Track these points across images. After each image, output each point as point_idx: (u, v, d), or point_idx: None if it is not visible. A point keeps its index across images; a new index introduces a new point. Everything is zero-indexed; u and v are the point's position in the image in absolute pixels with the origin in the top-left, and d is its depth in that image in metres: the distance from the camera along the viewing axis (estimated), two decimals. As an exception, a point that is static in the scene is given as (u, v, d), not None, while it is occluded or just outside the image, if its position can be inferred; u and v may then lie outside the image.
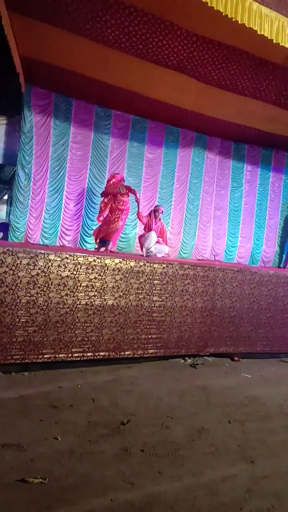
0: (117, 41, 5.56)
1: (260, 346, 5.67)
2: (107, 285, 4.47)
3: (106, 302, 4.45)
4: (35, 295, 4.03)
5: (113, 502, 2.16)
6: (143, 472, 2.49)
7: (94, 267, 4.38)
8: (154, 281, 4.79)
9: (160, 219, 7.08)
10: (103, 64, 6.11)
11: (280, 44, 4.98)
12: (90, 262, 4.37)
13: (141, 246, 6.73)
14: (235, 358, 5.43)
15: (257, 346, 5.65)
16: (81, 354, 4.31)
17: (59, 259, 4.17)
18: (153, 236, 6.57)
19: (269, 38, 4.87)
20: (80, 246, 7.59)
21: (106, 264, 4.46)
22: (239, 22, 4.63)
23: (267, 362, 5.54)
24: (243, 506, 2.24)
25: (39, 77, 6.71)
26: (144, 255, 6.45)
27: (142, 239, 6.79)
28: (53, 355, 4.14)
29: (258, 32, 4.79)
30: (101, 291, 4.42)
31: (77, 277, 4.27)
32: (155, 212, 6.98)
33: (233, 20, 4.59)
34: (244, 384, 4.52)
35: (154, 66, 6.06)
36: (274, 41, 4.92)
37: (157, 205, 7.28)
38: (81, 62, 6.10)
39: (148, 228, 6.88)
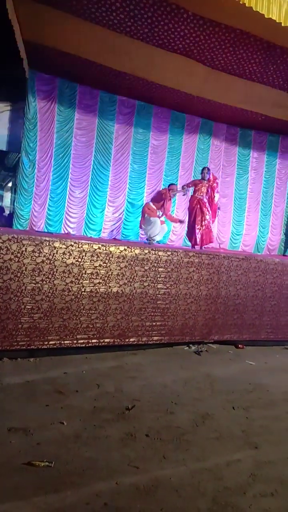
0: (122, 25, 5.47)
1: (264, 333, 5.68)
2: (112, 272, 4.47)
3: (111, 290, 4.46)
4: (40, 282, 4.04)
5: (118, 486, 2.20)
6: (148, 456, 2.53)
7: (99, 255, 4.38)
8: (159, 269, 4.78)
9: (171, 199, 6.97)
10: (108, 48, 6.03)
11: (289, 27, 4.87)
12: (95, 249, 4.36)
13: (142, 222, 6.66)
14: (240, 345, 5.45)
15: (261, 334, 5.66)
16: (86, 340, 4.34)
17: (64, 246, 4.17)
18: (158, 224, 6.52)
19: (277, 21, 4.77)
20: (84, 234, 7.59)
21: (111, 252, 4.46)
22: (247, 5, 4.53)
23: (271, 350, 5.56)
24: (247, 490, 2.27)
25: (43, 62, 6.64)
26: (148, 241, 6.43)
27: (145, 223, 6.67)
28: (58, 342, 4.18)
29: (266, 16, 4.69)
30: (106, 278, 4.43)
31: (82, 264, 4.28)
32: (169, 191, 6.89)
33: (241, 2, 4.49)
34: (248, 371, 4.54)
35: (160, 50, 5.98)
36: (282, 25, 4.82)
37: (171, 184, 7.17)
38: (85, 46, 6.01)
39: (163, 207, 6.70)
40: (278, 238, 9.70)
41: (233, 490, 2.26)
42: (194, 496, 2.17)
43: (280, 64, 6.21)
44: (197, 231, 6.65)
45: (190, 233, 6.83)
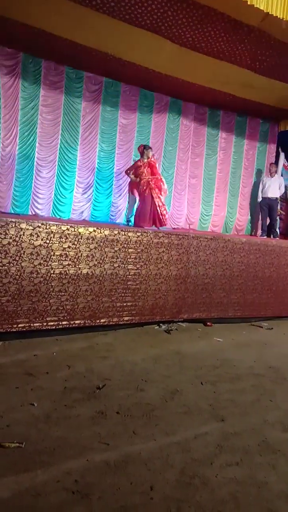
0: (87, -3, 5.27)
1: (231, 311, 5.84)
2: (82, 254, 4.44)
3: (81, 271, 4.44)
4: (7, 264, 3.97)
5: (89, 462, 2.24)
6: (118, 433, 2.58)
7: (67, 236, 4.33)
8: (129, 250, 4.79)
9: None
10: (73, 22, 5.80)
11: (255, 6, 4.84)
12: (64, 231, 4.31)
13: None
14: (208, 323, 5.58)
15: (229, 311, 5.81)
16: (56, 322, 4.33)
17: (31, 227, 4.09)
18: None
19: (243, -1, 4.73)
20: (53, 215, 7.45)
21: (80, 233, 4.41)
22: (214, -19, 4.46)
23: (238, 326, 5.73)
24: (213, 461, 2.37)
25: (6, 36, 6.32)
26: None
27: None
28: (27, 324, 4.14)
29: (232, -8, 4.64)
30: (75, 260, 4.39)
31: (50, 246, 4.22)
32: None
33: (208, -22, 4.42)
34: (216, 347, 4.68)
35: (127, 25, 5.80)
36: (248, 3, 4.78)
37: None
38: (50, 20, 5.75)
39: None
40: (245, 218, 9.84)
41: (201, 461, 2.35)
42: (163, 468, 2.24)
43: (247, 43, 6.17)
44: (158, 210, 6.56)
45: (144, 217, 6.57)
